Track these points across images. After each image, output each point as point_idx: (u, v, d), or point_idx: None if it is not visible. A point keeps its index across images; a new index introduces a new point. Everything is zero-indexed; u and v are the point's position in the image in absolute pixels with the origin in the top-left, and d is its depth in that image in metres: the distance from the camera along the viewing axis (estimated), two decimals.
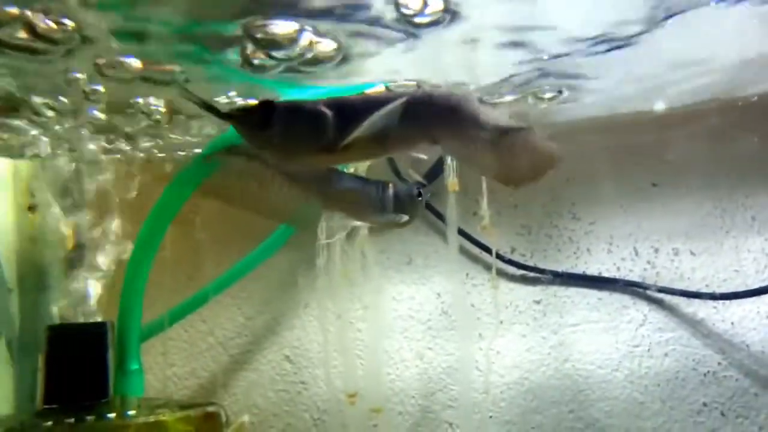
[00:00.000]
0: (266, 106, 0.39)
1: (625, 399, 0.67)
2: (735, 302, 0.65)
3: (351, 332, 0.68)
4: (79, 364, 0.43)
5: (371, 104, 0.40)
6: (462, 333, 0.71)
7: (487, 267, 0.71)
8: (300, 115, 0.39)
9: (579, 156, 0.67)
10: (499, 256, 0.70)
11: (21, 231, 0.50)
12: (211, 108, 0.39)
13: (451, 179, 0.56)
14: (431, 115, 0.41)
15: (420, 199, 0.49)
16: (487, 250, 0.70)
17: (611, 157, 0.68)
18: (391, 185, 0.49)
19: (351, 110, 0.39)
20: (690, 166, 0.68)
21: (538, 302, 0.71)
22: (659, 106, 0.59)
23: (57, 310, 0.48)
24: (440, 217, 0.71)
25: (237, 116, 0.39)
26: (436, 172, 0.67)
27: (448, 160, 0.59)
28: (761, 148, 0.65)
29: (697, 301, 0.66)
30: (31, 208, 0.50)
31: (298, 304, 0.73)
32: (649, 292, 0.68)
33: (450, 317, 0.72)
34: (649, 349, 0.67)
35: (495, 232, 0.66)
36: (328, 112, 0.39)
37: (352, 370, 0.64)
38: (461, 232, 0.70)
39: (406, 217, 0.49)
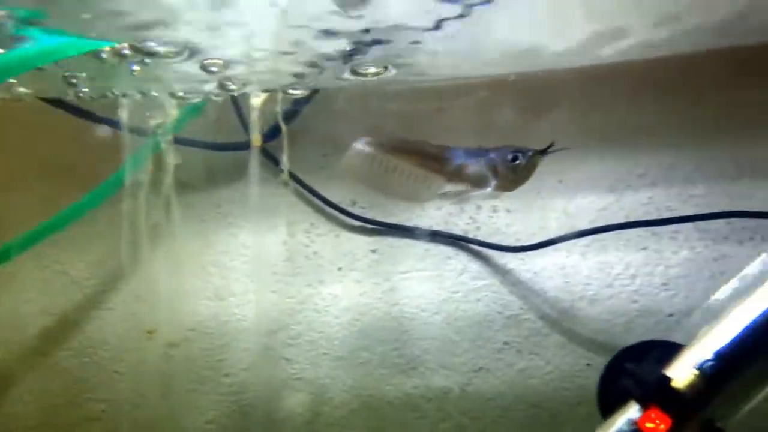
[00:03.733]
0: None
1: (441, 338, 0.75)
2: (538, 254, 0.73)
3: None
4: None
5: None
6: (304, 278, 0.77)
7: (330, 218, 0.77)
8: None
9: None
10: (341, 209, 0.76)
11: None
12: None
13: (255, 135, 0.60)
14: None
15: (516, 163, 0.48)
16: (329, 203, 0.76)
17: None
18: (489, 153, 0.49)
19: None
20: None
21: (374, 251, 0.77)
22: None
23: None
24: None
25: None
26: (273, 133, 0.72)
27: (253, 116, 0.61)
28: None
29: (509, 253, 0.75)
30: None
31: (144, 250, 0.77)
32: (470, 245, 0.76)
33: (294, 264, 0.78)
34: (465, 295, 0.75)
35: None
36: None
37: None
38: (305, 186, 0.76)
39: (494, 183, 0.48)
